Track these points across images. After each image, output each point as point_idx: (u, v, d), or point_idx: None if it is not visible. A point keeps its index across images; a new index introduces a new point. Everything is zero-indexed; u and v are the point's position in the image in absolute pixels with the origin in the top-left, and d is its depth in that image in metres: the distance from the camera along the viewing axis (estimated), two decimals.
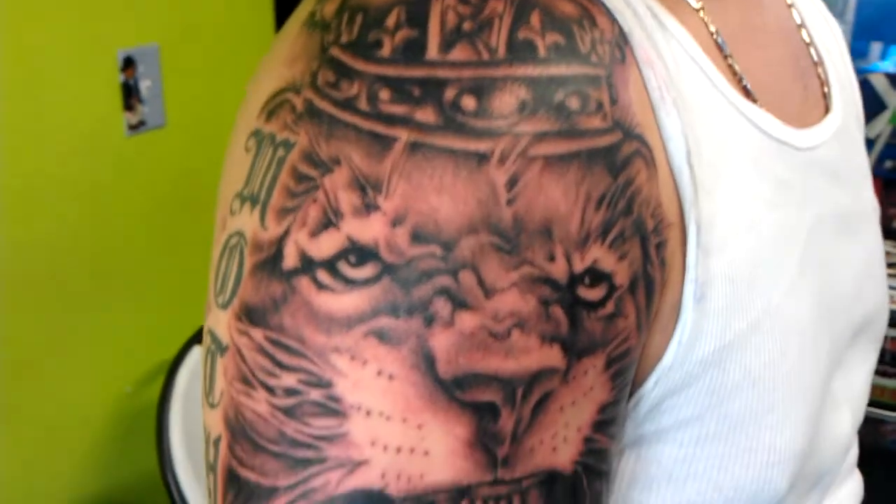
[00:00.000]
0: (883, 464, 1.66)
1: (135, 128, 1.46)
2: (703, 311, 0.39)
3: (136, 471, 1.66)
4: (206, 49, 1.56)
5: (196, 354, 1.46)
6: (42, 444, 1.51)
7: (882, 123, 1.97)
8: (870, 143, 1.93)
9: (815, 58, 0.54)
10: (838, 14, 2.06)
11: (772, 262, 0.43)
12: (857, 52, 2.10)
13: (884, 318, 0.56)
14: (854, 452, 0.57)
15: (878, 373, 1.75)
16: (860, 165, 0.56)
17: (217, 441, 0.36)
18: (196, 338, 1.47)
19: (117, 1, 1.40)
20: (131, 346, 1.61)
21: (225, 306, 0.36)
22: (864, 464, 0.60)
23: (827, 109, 0.53)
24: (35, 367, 1.46)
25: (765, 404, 0.42)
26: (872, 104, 1.95)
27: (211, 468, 0.37)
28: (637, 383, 0.40)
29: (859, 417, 0.54)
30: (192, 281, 1.57)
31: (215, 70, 1.54)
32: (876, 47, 2.15)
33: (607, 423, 0.37)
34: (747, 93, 0.45)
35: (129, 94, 1.44)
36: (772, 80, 0.48)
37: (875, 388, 1.77)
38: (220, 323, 0.36)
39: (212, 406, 0.37)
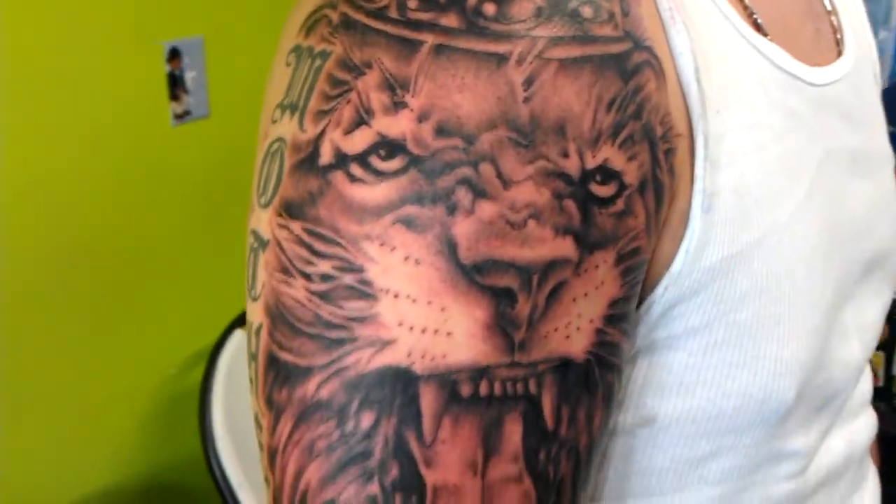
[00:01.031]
0: None
1: (180, 117, 1.51)
2: (710, 220, 0.42)
3: (180, 451, 1.69)
4: (249, 41, 1.60)
5: (238, 338, 1.50)
6: (89, 424, 1.55)
7: None
8: None
9: (829, 6, 0.56)
10: (881, 20, 2.06)
11: (779, 183, 0.45)
12: None
13: None
14: (867, 388, 0.59)
15: None
16: (874, 111, 0.57)
17: (258, 330, 0.39)
18: (238, 322, 1.50)
19: None
20: (175, 330, 1.65)
21: (266, 205, 0.39)
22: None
23: (839, 55, 0.55)
24: (82, 351, 1.50)
25: (771, 316, 0.44)
26: None
27: (253, 357, 0.40)
28: (648, 288, 0.42)
29: (870, 349, 0.55)
30: (235, 267, 1.61)
31: (257, 61, 1.58)
32: None
33: (618, 318, 0.39)
34: (758, 27, 0.47)
35: (175, 85, 1.49)
36: (783, 19, 0.50)
37: None
38: (262, 221, 0.40)
39: (254, 299, 0.40)
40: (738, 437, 0.46)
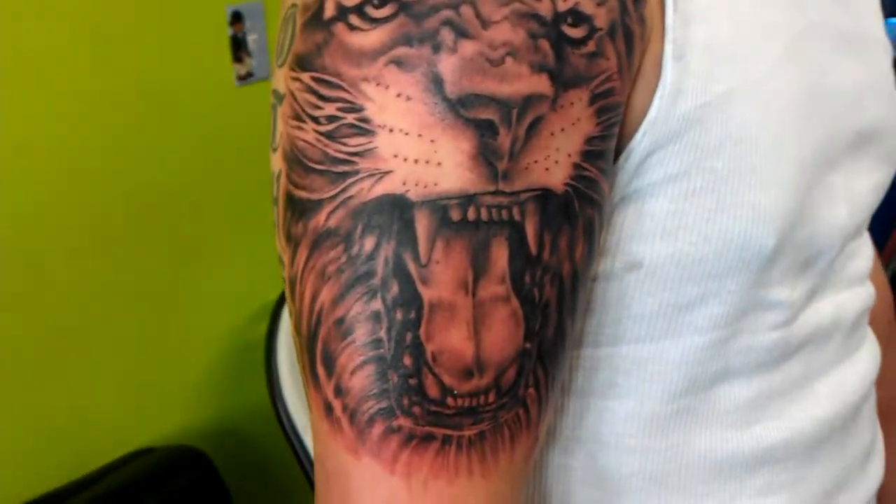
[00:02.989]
0: None
1: (243, 79, 1.58)
2: (682, 69, 0.45)
3: (248, 397, 1.76)
4: None
5: None
6: (164, 372, 1.62)
7: None
8: None
9: None
10: None
11: (754, 40, 0.47)
12: None
13: (894, 139, 0.60)
14: (863, 263, 0.61)
15: None
16: (867, 1, 0.60)
17: (278, 176, 0.44)
18: None
19: None
20: (242, 285, 1.71)
21: (282, 64, 0.44)
22: None
23: None
24: (157, 305, 1.58)
25: (747, 165, 0.47)
26: None
27: (274, 201, 0.45)
28: (627, 136, 0.46)
29: (860, 219, 0.58)
30: None
31: None
32: None
33: (595, 154, 0.43)
34: None
35: (238, 48, 1.56)
36: None
37: None
38: (280, 79, 0.44)
39: (274, 150, 0.45)
40: (723, 282, 0.49)
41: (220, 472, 1.56)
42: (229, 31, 1.53)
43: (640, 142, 0.46)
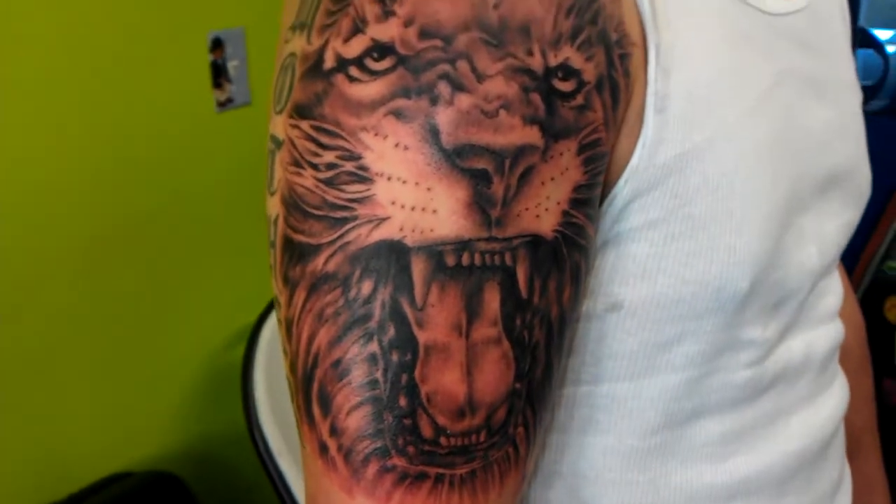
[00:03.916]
0: None
1: (223, 104, 1.58)
2: (663, 120, 0.47)
3: (224, 421, 1.75)
4: None
5: None
6: (141, 396, 1.62)
7: None
8: None
9: None
10: None
11: (729, 92, 0.49)
12: None
13: (861, 180, 0.63)
14: (833, 301, 0.63)
15: None
16: (837, 44, 0.62)
17: (276, 220, 0.45)
18: None
19: None
20: (220, 309, 1.71)
21: (280, 111, 0.45)
22: None
23: None
24: (135, 329, 1.57)
25: (723, 210, 0.49)
26: None
27: (272, 245, 0.46)
28: (611, 182, 0.47)
29: (829, 259, 0.60)
30: None
31: None
32: None
33: (582, 202, 0.44)
34: None
35: (218, 74, 1.56)
36: None
37: None
38: (278, 125, 0.45)
39: (272, 194, 0.46)
40: (699, 323, 0.51)
41: (196, 497, 1.56)
42: (210, 57, 1.54)
43: (623, 188, 0.47)
